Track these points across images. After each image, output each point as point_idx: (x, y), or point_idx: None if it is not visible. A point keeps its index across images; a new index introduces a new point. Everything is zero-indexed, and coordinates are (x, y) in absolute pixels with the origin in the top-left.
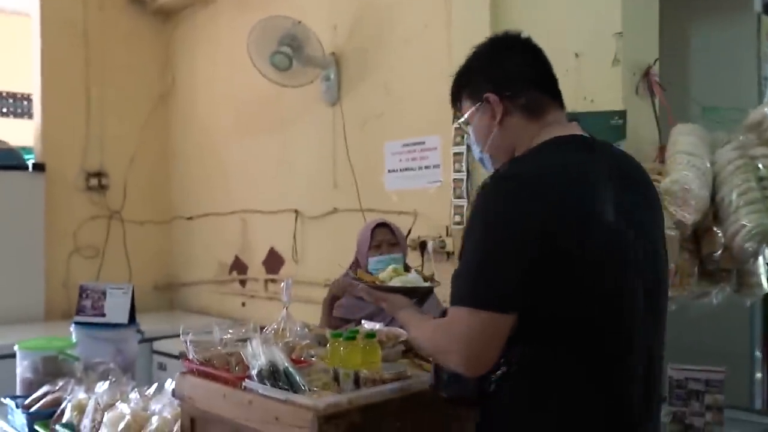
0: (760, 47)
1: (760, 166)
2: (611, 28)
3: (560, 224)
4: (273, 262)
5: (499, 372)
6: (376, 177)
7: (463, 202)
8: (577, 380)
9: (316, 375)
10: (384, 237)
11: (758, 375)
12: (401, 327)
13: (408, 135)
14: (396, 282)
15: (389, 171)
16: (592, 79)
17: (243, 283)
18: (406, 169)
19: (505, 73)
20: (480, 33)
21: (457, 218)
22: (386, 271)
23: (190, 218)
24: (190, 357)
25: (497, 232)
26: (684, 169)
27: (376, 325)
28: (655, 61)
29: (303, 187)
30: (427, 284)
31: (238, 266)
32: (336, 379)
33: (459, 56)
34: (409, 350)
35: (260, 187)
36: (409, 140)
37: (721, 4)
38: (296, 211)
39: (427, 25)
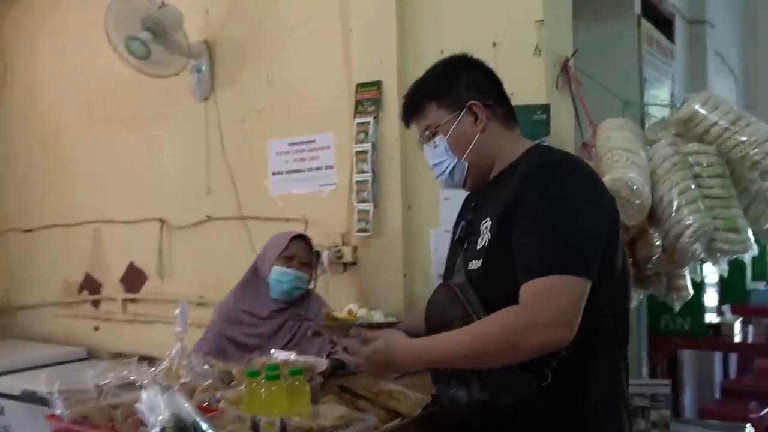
0: (640, 49)
1: (691, 160)
2: (531, 15)
3: (615, 211)
4: (133, 278)
5: (560, 356)
6: (259, 180)
7: (369, 207)
8: (614, 365)
9: (229, 426)
10: (300, 252)
11: (644, 371)
12: (414, 360)
13: (296, 133)
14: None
15: (274, 173)
16: (511, 71)
17: (96, 303)
18: (294, 171)
19: (483, 84)
20: (385, 20)
21: (362, 225)
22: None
23: (28, 230)
24: (58, 413)
25: (586, 209)
26: (624, 166)
27: (291, 355)
28: (574, 53)
29: (170, 193)
30: (392, 319)
31: (90, 285)
32: (255, 429)
33: (361, 46)
34: (327, 378)
35: (117, 193)
36: (296, 138)
37: (604, 4)
38: (162, 221)
39: (317, 12)
